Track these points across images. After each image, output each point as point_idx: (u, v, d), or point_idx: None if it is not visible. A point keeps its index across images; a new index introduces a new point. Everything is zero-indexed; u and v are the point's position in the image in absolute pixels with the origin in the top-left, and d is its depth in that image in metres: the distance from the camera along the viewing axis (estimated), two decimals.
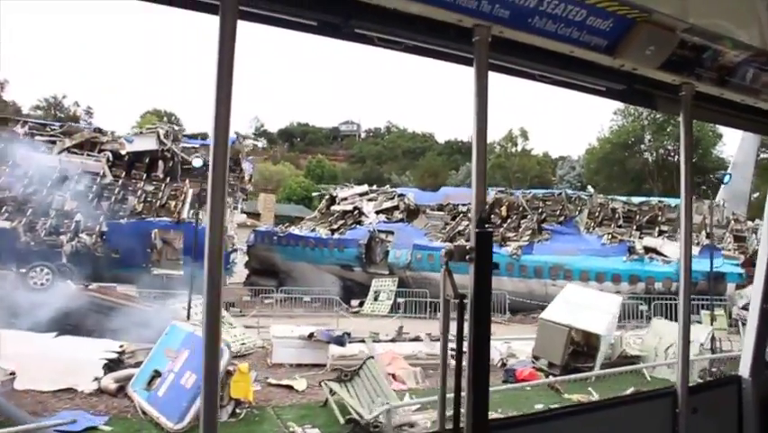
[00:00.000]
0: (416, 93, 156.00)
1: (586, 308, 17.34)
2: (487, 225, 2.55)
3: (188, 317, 17.81)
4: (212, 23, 2.15)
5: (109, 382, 13.63)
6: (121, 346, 15.56)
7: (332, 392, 12.84)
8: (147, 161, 33.44)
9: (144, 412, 12.16)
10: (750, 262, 20.34)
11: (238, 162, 35.59)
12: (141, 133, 33.55)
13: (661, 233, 33.59)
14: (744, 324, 18.40)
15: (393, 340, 17.91)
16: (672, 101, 3.43)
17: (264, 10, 2.33)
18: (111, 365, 15.07)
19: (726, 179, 21.11)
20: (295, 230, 38.17)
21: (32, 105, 74.36)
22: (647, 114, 67.79)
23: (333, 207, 40.46)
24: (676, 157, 68.42)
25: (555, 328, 16.29)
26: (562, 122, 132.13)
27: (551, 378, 15.16)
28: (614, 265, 29.58)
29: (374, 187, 42.29)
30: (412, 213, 38.93)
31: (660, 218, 34.51)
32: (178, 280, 30.80)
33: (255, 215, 57.62)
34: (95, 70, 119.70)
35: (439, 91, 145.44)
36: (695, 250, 30.53)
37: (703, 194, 34.24)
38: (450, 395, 2.53)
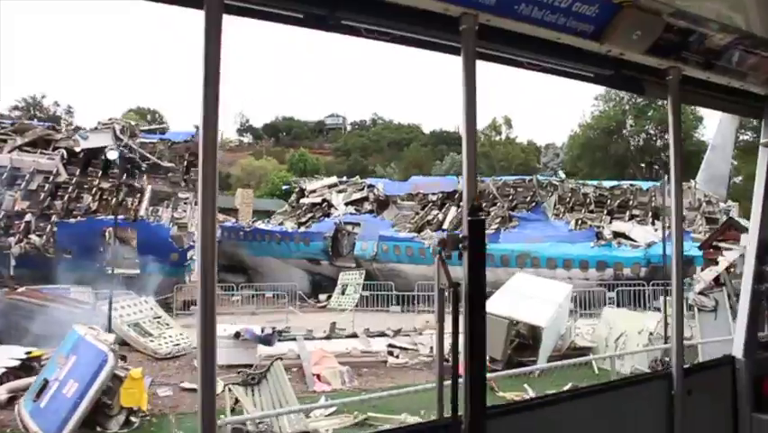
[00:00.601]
0: (402, 84, 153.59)
1: (531, 298, 16.21)
2: (480, 214, 2.48)
3: (110, 320, 16.60)
4: (197, 17, 2.09)
5: (0, 392, 12.49)
6: (28, 353, 14.42)
7: (237, 400, 11.69)
8: (103, 157, 32.14)
9: (26, 426, 11.02)
10: (708, 245, 19.18)
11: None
12: (96, 129, 32.17)
13: (632, 217, 32.49)
14: (700, 310, 17.30)
15: (327, 337, 16.76)
16: (660, 85, 3.39)
17: (249, 3, 2.27)
18: (20, 373, 14.01)
19: None
20: (261, 224, 36.93)
21: (11, 106, 72.62)
22: (628, 98, 66.53)
23: (302, 200, 39.28)
24: (658, 141, 67.41)
25: (494, 321, 15.10)
26: (548, 109, 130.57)
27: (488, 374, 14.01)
28: (581, 251, 28.42)
29: (344, 178, 41.07)
30: (382, 204, 37.77)
31: (631, 202, 33.38)
32: (135, 280, 29.74)
33: (233, 210, 56.36)
34: (77, 69, 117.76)
35: (425, 81, 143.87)
36: (661, 233, 29.45)
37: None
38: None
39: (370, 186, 38.57)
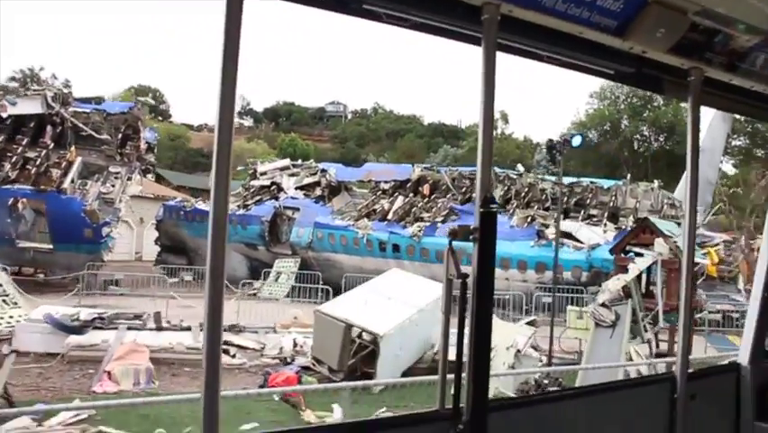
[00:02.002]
0: (407, 75, 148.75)
1: (390, 299, 13.62)
2: (492, 206, 2.41)
3: None
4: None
5: None
6: None
7: None
8: (33, 125, 30.10)
9: None
10: (620, 249, 16.29)
11: (137, 130, 32.22)
12: (25, 94, 30.11)
13: (590, 216, 29.52)
14: (597, 324, 14.56)
15: (158, 328, 14.31)
16: (681, 86, 3.28)
17: None
18: None
19: (575, 141, 16.51)
20: (202, 205, 34.64)
21: (8, 77, 71.15)
22: (624, 97, 62.95)
23: (252, 182, 36.89)
24: (654, 143, 63.65)
25: (331, 324, 12.58)
26: (548, 105, 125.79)
27: (294, 386, 11.49)
28: (520, 251, 25.56)
29: (299, 162, 38.61)
30: (334, 190, 35.23)
31: (590, 201, 30.38)
32: (49, 254, 27.70)
33: (207, 191, 54.42)
34: (80, 45, 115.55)
35: (432, 73, 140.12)
36: (609, 235, 26.42)
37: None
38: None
39: (323, 171, 35.99)
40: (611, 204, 29.97)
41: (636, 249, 15.35)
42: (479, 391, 2.38)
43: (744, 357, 4.00)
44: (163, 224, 35.04)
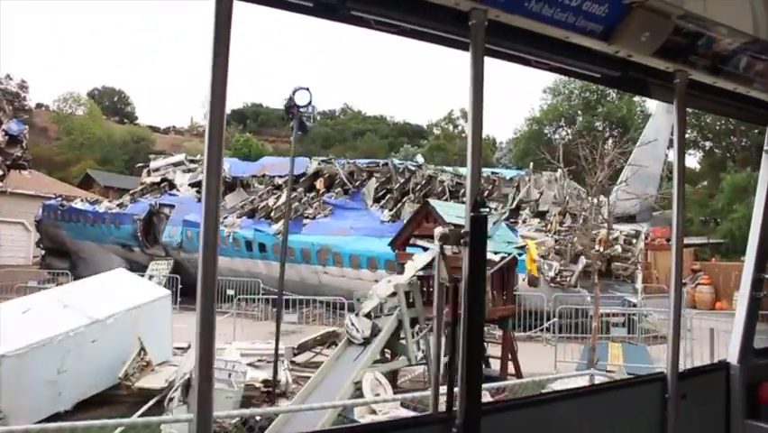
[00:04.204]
0: (377, 76, 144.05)
1: (66, 307, 10.33)
2: (482, 209, 2.33)
3: None
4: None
5: None
6: None
7: None
8: None
9: None
10: (402, 242, 12.98)
11: None
12: None
13: (489, 210, 26.16)
14: (351, 342, 11.19)
15: None
16: (666, 89, 3.27)
17: None
18: None
19: (299, 98, 12.47)
20: (79, 204, 31.46)
21: None
22: (578, 92, 59.55)
23: (145, 179, 33.72)
24: (609, 139, 60.19)
25: None
26: (509, 103, 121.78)
27: None
28: (388, 249, 22.19)
29: (197, 157, 35.38)
30: (229, 186, 31.99)
31: (489, 193, 27.01)
32: None
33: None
34: (42, 44, 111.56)
35: (401, 75, 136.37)
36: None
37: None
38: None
39: None
40: (511, 196, 26.65)
41: (419, 242, 12.01)
42: (472, 393, 2.34)
43: (733, 356, 3.96)
44: (43, 224, 31.85)
